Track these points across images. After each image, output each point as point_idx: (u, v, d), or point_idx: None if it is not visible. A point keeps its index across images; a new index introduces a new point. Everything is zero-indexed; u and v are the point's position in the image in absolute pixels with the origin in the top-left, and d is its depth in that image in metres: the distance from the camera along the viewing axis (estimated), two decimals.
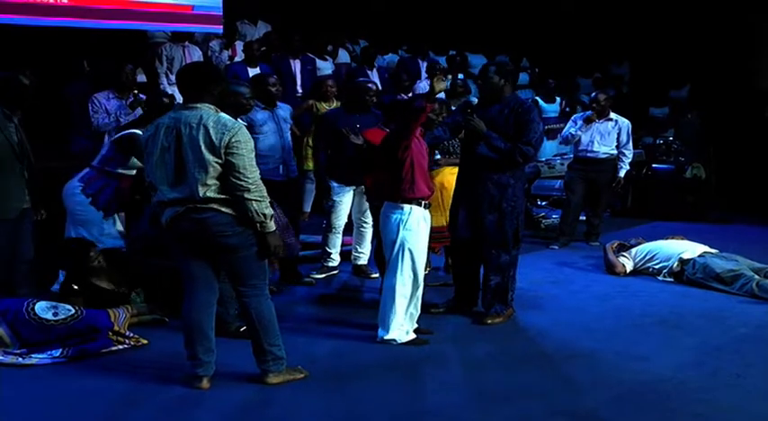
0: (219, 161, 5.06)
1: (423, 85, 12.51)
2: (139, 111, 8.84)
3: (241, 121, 7.55)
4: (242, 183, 5.09)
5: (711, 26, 16.04)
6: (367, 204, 8.07)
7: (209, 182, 5.10)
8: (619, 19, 17.26)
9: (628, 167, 10.62)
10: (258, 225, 5.17)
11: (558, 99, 14.61)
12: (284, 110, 8.05)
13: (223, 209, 5.15)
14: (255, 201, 5.12)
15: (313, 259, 8.79)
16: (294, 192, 8.18)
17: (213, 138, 5.05)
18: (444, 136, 7.27)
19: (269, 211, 5.20)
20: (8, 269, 6.71)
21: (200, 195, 5.09)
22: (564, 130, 10.78)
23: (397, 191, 6.33)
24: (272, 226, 5.24)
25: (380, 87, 12.60)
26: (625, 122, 10.50)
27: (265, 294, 5.45)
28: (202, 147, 5.05)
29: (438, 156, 8.03)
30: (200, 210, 5.15)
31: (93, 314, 6.25)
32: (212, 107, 5.22)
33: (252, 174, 5.13)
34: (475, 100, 7.01)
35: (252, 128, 7.61)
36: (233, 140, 5.06)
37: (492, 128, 6.88)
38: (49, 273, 7.46)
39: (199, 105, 5.18)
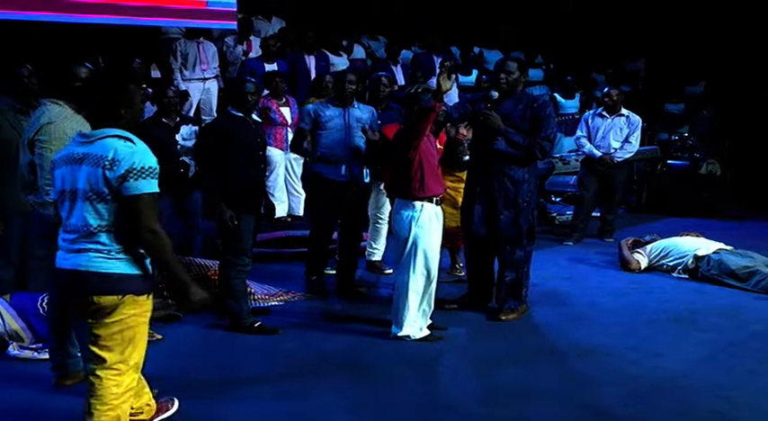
0: None
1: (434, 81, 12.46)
2: (148, 105, 8.87)
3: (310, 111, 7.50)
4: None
5: (726, 23, 15.99)
6: (384, 200, 8.07)
7: None
8: (634, 15, 17.22)
9: (625, 156, 10.51)
10: None
11: (577, 95, 14.60)
12: (363, 111, 7.74)
13: None
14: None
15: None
16: (357, 197, 7.77)
17: None
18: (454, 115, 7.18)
19: None
20: (21, 264, 6.75)
21: None
22: (576, 133, 10.77)
23: (408, 189, 6.33)
24: None
25: (404, 82, 12.63)
26: (636, 118, 10.47)
27: None
28: None
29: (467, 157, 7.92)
30: None
31: None
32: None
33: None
34: (495, 94, 6.94)
35: (318, 122, 7.61)
36: (36, 137, 4.93)
37: (506, 123, 6.87)
38: None
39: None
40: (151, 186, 4.00)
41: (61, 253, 4.18)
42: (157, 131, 7.87)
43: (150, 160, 4.03)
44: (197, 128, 8.49)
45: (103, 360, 4.16)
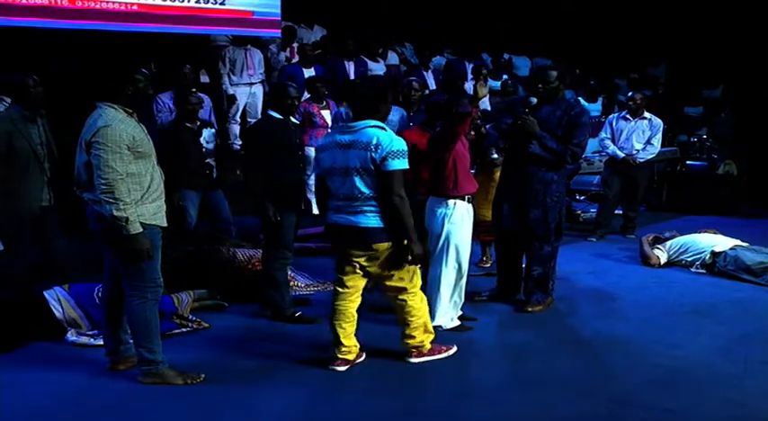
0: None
1: (468, 86, 12.45)
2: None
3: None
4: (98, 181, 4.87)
5: (742, 29, 15.83)
6: None
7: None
8: (656, 24, 17.10)
9: (647, 157, 10.42)
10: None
11: (600, 99, 14.50)
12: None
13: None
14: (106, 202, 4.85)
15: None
16: None
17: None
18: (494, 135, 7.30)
19: (120, 214, 4.83)
20: (47, 263, 6.88)
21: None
22: (599, 135, 10.70)
23: (443, 188, 6.32)
24: (131, 229, 4.88)
25: (435, 87, 12.60)
26: (658, 121, 10.40)
27: (145, 297, 5.17)
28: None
29: (495, 155, 7.93)
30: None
31: (159, 299, 6.31)
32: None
33: (107, 174, 4.83)
34: (534, 100, 6.85)
35: None
36: (93, 139, 4.85)
37: (542, 128, 6.83)
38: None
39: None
40: (403, 164, 5.13)
41: (334, 214, 5.38)
42: (181, 134, 7.98)
43: (402, 145, 5.16)
44: (214, 131, 8.55)
45: (404, 289, 5.49)
